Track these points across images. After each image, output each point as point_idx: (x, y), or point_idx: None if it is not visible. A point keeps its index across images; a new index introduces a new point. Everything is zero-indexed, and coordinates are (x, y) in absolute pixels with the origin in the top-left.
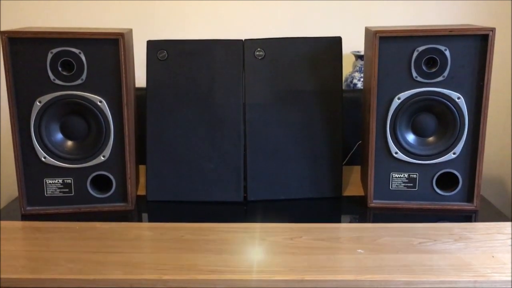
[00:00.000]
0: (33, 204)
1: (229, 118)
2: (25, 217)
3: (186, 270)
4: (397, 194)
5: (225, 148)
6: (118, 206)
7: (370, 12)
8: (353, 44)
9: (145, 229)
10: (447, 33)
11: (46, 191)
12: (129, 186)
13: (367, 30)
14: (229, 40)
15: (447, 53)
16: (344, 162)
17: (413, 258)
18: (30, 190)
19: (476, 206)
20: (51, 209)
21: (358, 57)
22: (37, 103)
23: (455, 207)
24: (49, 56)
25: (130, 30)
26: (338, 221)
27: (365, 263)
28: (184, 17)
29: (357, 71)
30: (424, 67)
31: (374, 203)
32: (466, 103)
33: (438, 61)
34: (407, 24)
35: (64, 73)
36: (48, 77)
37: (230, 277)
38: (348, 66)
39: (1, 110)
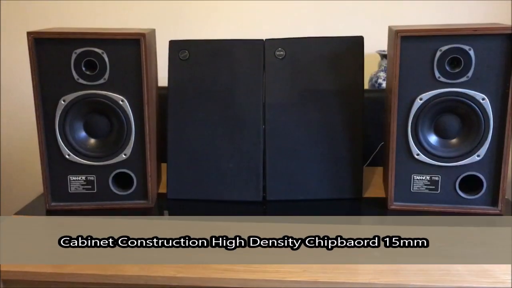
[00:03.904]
0: (58, 200)
1: (249, 118)
2: (50, 212)
3: (201, 269)
4: (419, 197)
5: (244, 147)
6: (139, 203)
7: (397, 11)
8: (379, 43)
9: (164, 226)
10: (471, 32)
11: (70, 188)
12: (149, 184)
13: (390, 30)
14: (250, 40)
15: (472, 52)
16: (367, 163)
17: (430, 262)
18: (55, 187)
19: (500, 210)
20: (75, 205)
21: (384, 56)
22: (62, 102)
23: (479, 211)
24: (73, 56)
25: (153, 30)
26: (357, 222)
27: (381, 266)
28: (206, 17)
29: (383, 71)
30: (447, 67)
31: (394, 205)
32: (491, 104)
33: (462, 61)
34: (435, 23)
35: (88, 72)
36: (72, 76)
37: (244, 276)
38: (373, 65)
39: (28, 109)
